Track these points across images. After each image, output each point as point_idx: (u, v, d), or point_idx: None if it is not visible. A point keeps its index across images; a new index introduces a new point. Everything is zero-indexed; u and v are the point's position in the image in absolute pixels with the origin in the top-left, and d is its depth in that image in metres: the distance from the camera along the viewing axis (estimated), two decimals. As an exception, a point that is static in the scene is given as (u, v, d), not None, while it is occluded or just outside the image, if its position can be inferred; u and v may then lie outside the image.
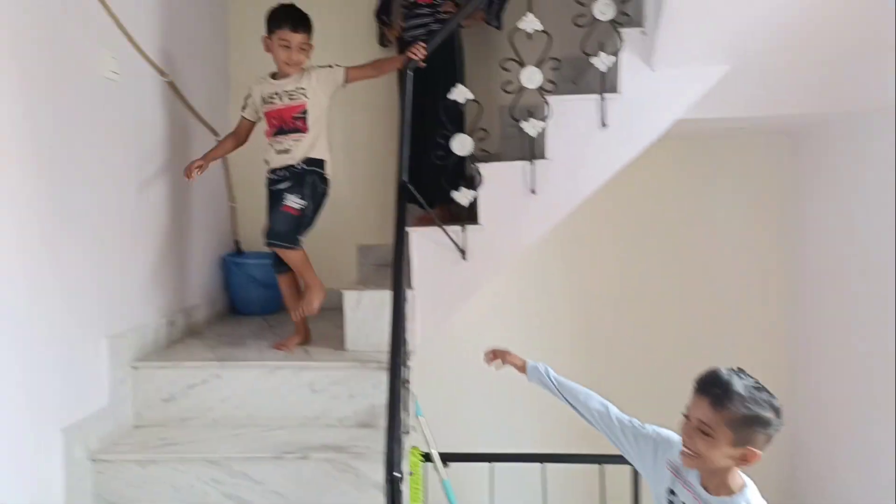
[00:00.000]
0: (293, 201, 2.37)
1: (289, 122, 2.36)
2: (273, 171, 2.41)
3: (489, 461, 2.82)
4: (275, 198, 2.41)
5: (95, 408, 2.03)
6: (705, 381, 1.50)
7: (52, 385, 1.83)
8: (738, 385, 1.43)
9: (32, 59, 1.77)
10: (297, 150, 2.37)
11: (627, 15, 2.31)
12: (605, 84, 2.32)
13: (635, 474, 2.78)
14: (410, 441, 2.59)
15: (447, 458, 2.77)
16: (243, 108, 2.46)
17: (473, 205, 2.41)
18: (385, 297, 2.41)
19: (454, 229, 2.39)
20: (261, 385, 2.29)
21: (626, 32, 2.29)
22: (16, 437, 1.69)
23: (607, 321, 3.60)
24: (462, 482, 2.96)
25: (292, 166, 2.38)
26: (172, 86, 2.56)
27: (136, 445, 2.09)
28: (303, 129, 2.36)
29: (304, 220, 2.41)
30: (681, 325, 3.58)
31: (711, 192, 3.56)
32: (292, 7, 2.35)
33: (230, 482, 2.01)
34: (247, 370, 2.29)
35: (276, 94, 2.37)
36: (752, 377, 1.49)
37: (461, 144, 2.33)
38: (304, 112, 2.36)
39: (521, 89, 2.29)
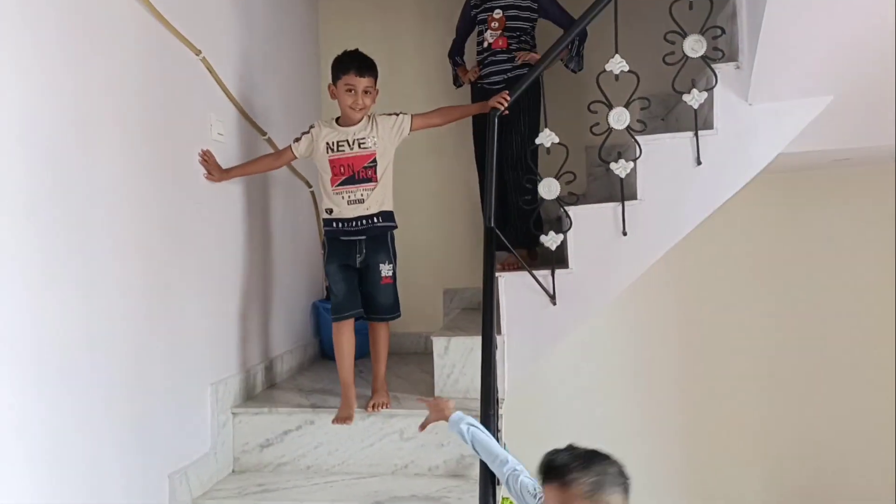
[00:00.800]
0: (388, 270, 2.36)
1: (360, 172, 2.30)
2: (344, 221, 2.31)
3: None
4: (347, 249, 2.34)
5: (199, 453, 2.11)
6: (544, 469, 1.41)
7: (161, 431, 1.92)
8: (570, 458, 1.36)
9: (158, 125, 1.93)
10: (371, 201, 2.30)
11: (720, 51, 2.24)
12: (698, 120, 2.24)
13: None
14: (501, 491, 2.52)
15: (538, 508, 2.67)
16: (297, 139, 2.36)
17: (561, 248, 2.37)
18: (473, 342, 2.40)
19: (543, 273, 2.35)
20: (351, 432, 2.31)
21: (720, 68, 2.21)
22: (126, 481, 1.77)
23: (706, 366, 3.41)
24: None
25: (370, 222, 2.31)
26: (270, 142, 2.70)
27: (234, 491, 2.14)
28: (373, 179, 2.30)
29: (396, 284, 2.42)
30: (788, 366, 3.35)
31: (816, 225, 3.35)
32: (357, 52, 2.31)
33: (324, 531, 2.02)
34: (339, 416, 2.32)
35: (346, 141, 2.30)
36: (581, 448, 1.42)
37: (548, 188, 2.31)
38: (374, 161, 2.31)
39: (609, 130, 2.25)
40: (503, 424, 2.29)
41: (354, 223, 2.30)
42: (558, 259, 2.37)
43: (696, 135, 2.23)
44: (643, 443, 3.44)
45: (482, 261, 2.30)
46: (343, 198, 2.30)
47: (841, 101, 2.20)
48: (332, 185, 2.31)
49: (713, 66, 2.21)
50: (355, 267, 2.35)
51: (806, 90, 2.17)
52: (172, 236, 2.01)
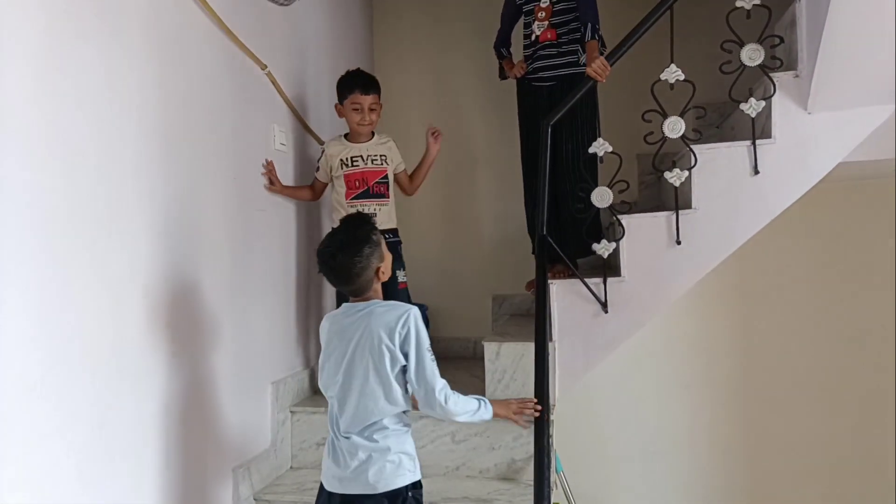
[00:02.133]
0: (403, 276, 2.46)
1: (373, 187, 2.43)
2: None
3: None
4: None
5: (260, 449, 2.20)
6: None
7: (228, 427, 2.01)
8: None
9: (226, 136, 2.04)
10: (382, 216, 2.41)
11: (779, 59, 2.22)
12: (756, 129, 2.23)
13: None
14: (555, 496, 2.54)
15: (588, 515, 2.68)
16: (317, 169, 2.50)
17: (613, 256, 2.38)
18: (523, 348, 2.43)
19: (595, 281, 2.37)
20: (405, 433, 2.36)
21: (778, 77, 2.19)
22: (196, 474, 1.86)
23: (760, 376, 3.36)
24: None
25: (385, 237, 2.38)
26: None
27: (293, 486, 2.22)
28: (386, 195, 2.45)
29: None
30: (846, 377, 3.27)
31: (876, 235, 3.27)
32: (360, 71, 2.44)
33: (379, 528, 2.08)
34: (393, 418, 2.38)
35: (360, 156, 2.42)
36: None
37: (601, 197, 2.32)
38: (386, 178, 2.46)
39: (664, 139, 2.25)
40: (553, 430, 2.31)
41: None
42: (610, 267, 2.38)
43: (754, 144, 2.22)
44: (696, 454, 3.41)
45: (532, 267, 2.34)
46: (358, 211, 2.38)
47: (905, 109, 2.16)
48: (346, 199, 2.41)
49: (771, 74, 2.20)
50: None
51: (867, 99, 2.14)
52: (239, 240, 2.11)
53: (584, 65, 2.52)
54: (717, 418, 3.39)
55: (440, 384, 1.57)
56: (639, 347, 3.29)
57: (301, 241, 2.62)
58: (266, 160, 2.29)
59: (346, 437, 1.59)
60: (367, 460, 1.55)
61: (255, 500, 2.14)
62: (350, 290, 1.64)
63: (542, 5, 2.65)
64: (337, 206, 2.45)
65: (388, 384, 1.56)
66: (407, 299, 2.48)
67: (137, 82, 1.62)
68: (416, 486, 1.62)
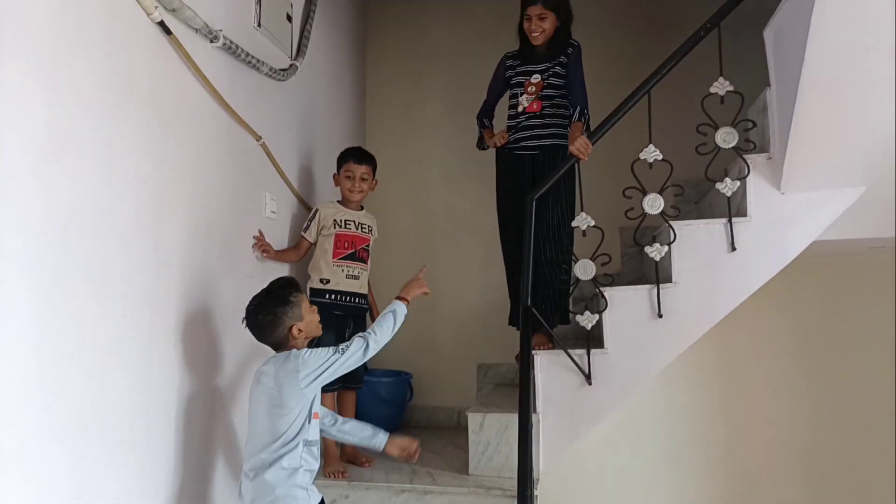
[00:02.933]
0: None
1: (359, 251, 2.58)
2: (339, 294, 2.52)
3: None
4: (339, 324, 2.50)
5: None
6: None
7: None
8: None
9: (220, 205, 2.09)
10: (362, 280, 2.59)
11: (752, 142, 2.33)
12: (732, 207, 2.31)
13: None
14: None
15: None
16: (305, 228, 2.57)
17: (596, 328, 2.40)
18: (508, 419, 2.41)
19: (579, 353, 2.38)
20: (386, 507, 2.31)
21: (751, 158, 2.30)
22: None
23: (744, 450, 3.33)
24: None
25: (359, 301, 2.58)
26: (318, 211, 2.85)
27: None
28: (366, 261, 2.62)
29: None
30: (826, 453, 3.26)
31: (853, 310, 3.32)
32: (358, 147, 2.70)
33: None
34: (374, 492, 2.34)
35: (353, 221, 2.59)
36: None
37: (584, 269, 2.37)
38: (368, 246, 2.63)
39: (644, 215, 2.33)
40: (538, 505, 2.27)
41: (348, 298, 2.54)
42: (593, 338, 2.40)
43: (731, 221, 2.30)
44: None
45: (517, 337, 2.36)
46: (343, 271, 2.54)
47: (874, 191, 2.25)
48: (333, 258, 2.53)
49: (745, 156, 2.30)
50: (345, 339, 2.46)
51: (838, 181, 2.24)
52: (231, 307, 2.12)
53: (568, 138, 2.62)
54: (702, 492, 3.34)
55: (359, 353, 1.82)
56: (624, 419, 3.27)
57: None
58: (259, 231, 2.34)
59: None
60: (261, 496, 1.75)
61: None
62: (267, 343, 1.85)
63: (533, 80, 2.75)
64: (321, 266, 2.53)
65: (269, 426, 1.75)
66: (363, 367, 2.47)
67: (138, 149, 1.66)
68: None
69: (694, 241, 2.34)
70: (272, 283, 1.88)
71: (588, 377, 2.36)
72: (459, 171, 3.67)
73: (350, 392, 2.66)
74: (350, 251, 2.56)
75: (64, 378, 1.41)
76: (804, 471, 3.29)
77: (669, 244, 2.33)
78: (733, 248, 2.29)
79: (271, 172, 2.47)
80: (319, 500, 1.83)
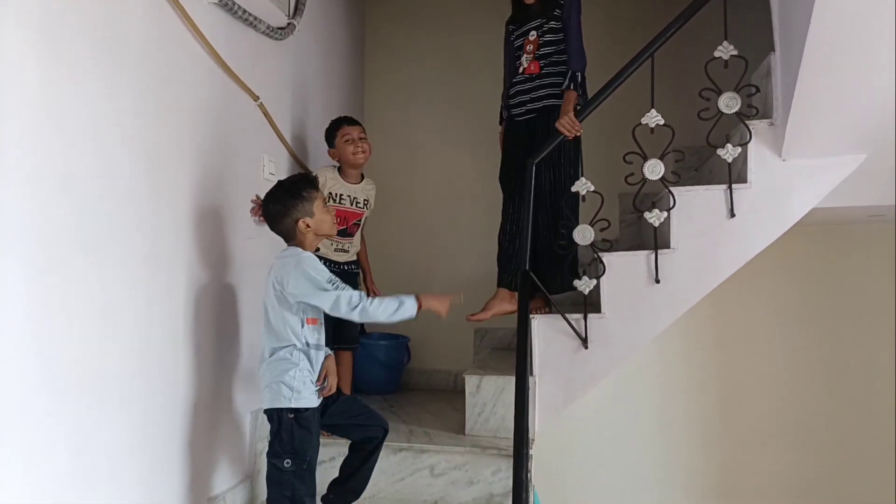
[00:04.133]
0: None
1: (350, 227, 2.59)
2: (328, 261, 2.49)
3: (611, 561, 2.69)
4: None
5: (237, 479, 2.18)
6: None
7: (204, 456, 1.99)
8: None
9: (218, 167, 2.07)
10: (350, 252, 2.64)
11: (755, 108, 2.31)
12: (732, 174, 2.30)
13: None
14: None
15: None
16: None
17: (594, 293, 2.42)
18: (504, 381, 2.45)
19: (576, 317, 2.40)
20: (383, 465, 2.35)
21: (754, 124, 2.28)
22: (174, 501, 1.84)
23: (738, 415, 3.39)
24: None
25: (349, 267, 2.63)
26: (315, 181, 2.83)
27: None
28: (354, 234, 2.63)
29: None
30: (821, 420, 3.32)
31: (850, 278, 3.35)
32: (344, 116, 2.63)
33: (355, 563, 2.06)
34: (372, 450, 2.37)
35: (348, 196, 2.57)
36: None
37: (582, 234, 2.37)
38: (360, 220, 2.64)
39: (644, 181, 2.32)
40: (532, 465, 2.31)
41: (335, 266, 2.55)
42: (590, 304, 2.42)
43: (730, 188, 2.29)
44: (673, 493, 3.41)
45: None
46: (331, 245, 2.56)
47: (875, 159, 2.24)
48: None
49: (747, 122, 2.28)
50: None
51: (840, 148, 2.22)
52: (228, 269, 2.13)
53: (560, 97, 2.54)
54: (695, 458, 3.41)
55: (344, 303, 1.77)
56: (619, 384, 3.32)
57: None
58: (255, 196, 2.29)
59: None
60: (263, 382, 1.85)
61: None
62: (276, 233, 1.91)
63: (531, 38, 2.66)
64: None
65: (273, 320, 1.82)
66: (356, 328, 2.62)
67: (133, 110, 1.65)
68: (295, 411, 1.80)
69: (693, 207, 2.34)
70: (287, 177, 1.95)
71: (585, 341, 2.39)
72: (459, 135, 3.64)
73: (346, 353, 2.64)
74: (341, 227, 2.53)
75: (63, 338, 1.42)
76: (797, 438, 3.35)
77: (669, 210, 2.33)
78: (732, 215, 2.29)
79: (269, 134, 2.45)
80: (311, 407, 1.83)
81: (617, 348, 2.39)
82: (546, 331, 2.44)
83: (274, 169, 2.47)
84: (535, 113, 2.65)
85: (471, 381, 2.49)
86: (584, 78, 2.53)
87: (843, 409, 3.32)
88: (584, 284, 2.39)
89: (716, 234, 2.32)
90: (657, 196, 2.54)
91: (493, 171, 3.11)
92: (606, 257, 2.40)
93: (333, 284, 1.79)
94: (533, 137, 2.65)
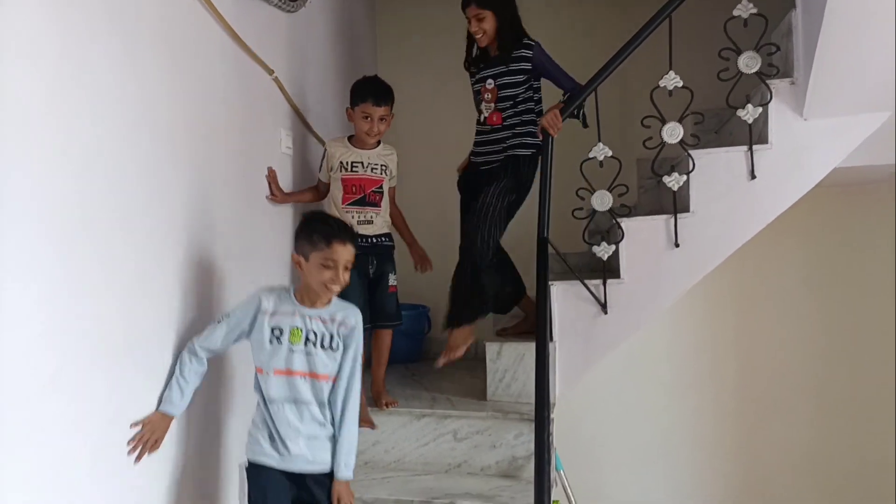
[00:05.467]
0: (394, 280, 2.51)
1: (369, 195, 2.42)
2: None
3: (632, 521, 2.74)
4: (361, 262, 2.23)
5: None
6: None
7: (235, 423, 2.05)
8: None
9: (236, 142, 2.08)
10: (377, 223, 2.45)
11: (775, 67, 2.27)
12: (753, 135, 2.28)
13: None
14: (554, 493, 2.58)
15: (587, 514, 2.73)
16: (319, 169, 2.51)
17: (612, 259, 2.42)
18: (524, 348, 2.48)
19: (595, 283, 2.41)
20: (407, 431, 2.41)
21: (775, 84, 2.24)
22: (207, 471, 1.91)
23: (758, 378, 3.40)
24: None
25: (378, 240, 2.45)
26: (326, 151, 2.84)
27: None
28: (378, 204, 2.44)
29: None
30: (841, 381, 3.32)
31: (872, 239, 3.31)
32: (376, 79, 2.44)
33: (382, 524, 2.11)
34: (396, 416, 2.43)
35: (361, 163, 2.42)
36: None
37: (601, 200, 2.37)
38: (381, 188, 2.45)
39: (662, 144, 2.30)
40: (553, 429, 2.35)
41: (364, 240, 2.37)
42: (609, 270, 2.43)
43: (751, 149, 2.27)
44: (694, 455, 3.45)
45: (534, 269, 2.39)
46: (354, 217, 2.40)
47: (899, 116, 2.21)
48: (342, 203, 2.41)
49: (768, 81, 2.25)
50: (368, 277, 2.47)
51: (862, 106, 2.19)
52: (249, 241, 2.16)
53: (534, 146, 2.51)
54: (714, 420, 3.44)
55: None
56: (639, 348, 3.34)
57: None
58: (269, 168, 2.30)
59: None
60: None
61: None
62: None
63: (488, 87, 2.55)
64: (332, 208, 2.44)
65: None
66: (395, 304, 2.53)
67: (148, 86, 1.66)
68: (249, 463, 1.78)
69: (713, 169, 2.32)
70: (319, 215, 1.88)
71: (604, 307, 2.40)
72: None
73: (385, 331, 2.56)
74: (359, 196, 2.41)
75: (95, 309, 1.46)
76: (815, 400, 3.36)
77: (688, 173, 2.31)
78: (753, 177, 2.27)
79: (285, 108, 2.46)
80: (261, 464, 1.73)
81: (636, 313, 2.41)
82: (565, 297, 2.46)
83: (291, 143, 2.48)
84: (497, 163, 2.59)
85: (491, 348, 2.53)
86: (581, 105, 2.41)
87: (861, 372, 3.31)
88: (602, 250, 2.39)
89: (736, 196, 2.30)
90: (676, 160, 2.52)
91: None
92: (625, 223, 2.40)
93: (216, 319, 1.78)
94: (493, 179, 2.54)
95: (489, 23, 2.46)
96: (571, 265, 2.50)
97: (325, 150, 2.47)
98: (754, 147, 2.27)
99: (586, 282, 2.40)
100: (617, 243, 2.40)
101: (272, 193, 2.30)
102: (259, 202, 2.26)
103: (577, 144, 2.49)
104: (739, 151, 2.30)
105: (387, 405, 2.46)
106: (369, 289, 2.48)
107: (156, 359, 1.68)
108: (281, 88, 2.38)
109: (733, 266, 2.74)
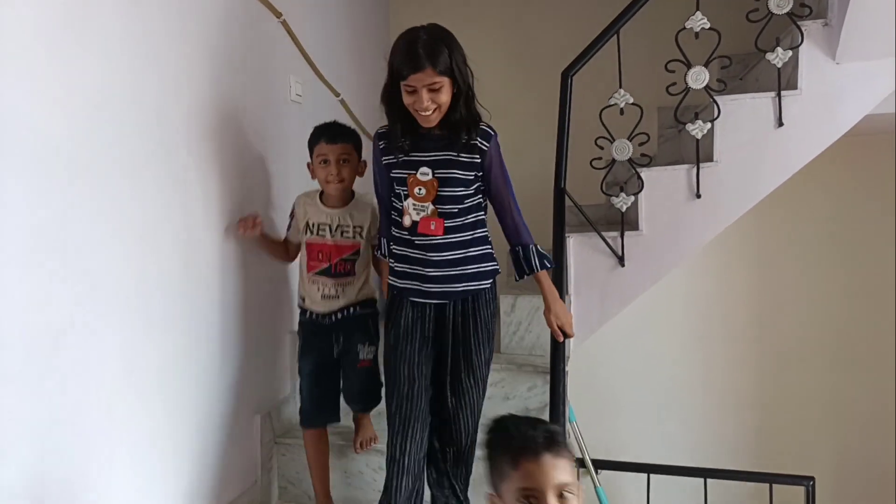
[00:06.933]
0: (368, 352, 2.01)
1: (337, 265, 1.96)
2: (317, 314, 2.00)
3: (647, 472, 2.75)
4: (322, 342, 2.00)
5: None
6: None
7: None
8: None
9: (243, 86, 2.02)
10: (348, 296, 1.98)
11: (808, 7, 2.15)
12: (781, 80, 2.18)
13: (809, 496, 2.57)
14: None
15: (600, 465, 2.74)
16: (288, 227, 2.09)
17: (631, 210, 2.36)
18: (538, 301, 2.42)
19: (612, 235, 2.36)
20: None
21: (806, 25, 2.13)
22: (223, 415, 1.92)
23: (776, 332, 3.37)
24: (612, 492, 2.92)
25: (347, 313, 1.99)
26: (343, 103, 2.77)
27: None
28: (351, 273, 1.97)
29: (377, 368, 2.04)
30: (860, 334, 3.28)
31: (898, 192, 3.21)
32: (332, 122, 1.99)
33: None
34: (410, 368, 2.42)
35: (328, 225, 1.97)
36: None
37: (620, 149, 2.30)
38: (357, 254, 1.98)
39: (687, 90, 2.21)
40: (567, 382, 2.34)
41: (328, 318, 1.98)
42: (627, 222, 2.37)
43: (779, 95, 2.18)
44: (708, 408, 3.45)
45: (550, 222, 2.34)
46: (317, 289, 1.97)
47: (938, 59, 2.10)
48: (307, 271, 2.00)
49: (799, 23, 2.13)
50: (333, 359, 2.03)
51: (899, 48, 2.08)
52: (263, 189, 2.12)
53: (494, 272, 1.83)
54: (731, 373, 3.42)
55: None
56: (654, 301, 3.29)
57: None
58: (250, 216, 1.97)
59: None
60: None
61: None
62: None
63: (422, 177, 1.68)
64: (301, 276, 2.04)
65: None
66: (370, 381, 2.04)
67: (153, 31, 1.60)
68: None
69: (739, 116, 2.23)
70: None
71: (621, 259, 2.36)
72: (490, 49, 3.48)
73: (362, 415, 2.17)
74: (324, 265, 1.96)
75: (105, 259, 1.44)
76: (832, 352, 3.32)
77: (713, 121, 2.23)
78: (780, 124, 2.19)
79: (294, 53, 2.38)
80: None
81: (654, 266, 2.36)
82: (582, 249, 2.41)
83: (301, 90, 2.41)
84: (446, 300, 1.75)
85: (505, 301, 2.50)
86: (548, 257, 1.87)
87: (882, 321, 3.26)
88: (621, 202, 2.33)
89: (762, 145, 2.22)
90: (699, 107, 2.43)
91: (524, 89, 3.01)
92: (645, 173, 2.33)
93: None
94: (446, 332, 1.78)
95: (446, 94, 1.63)
96: (588, 217, 2.44)
97: (293, 209, 2.06)
98: (783, 93, 2.18)
99: (604, 234, 2.35)
100: (636, 194, 2.33)
101: (252, 227, 1.95)
102: (270, 149, 2.20)
103: (595, 92, 2.39)
104: (767, 97, 2.21)
105: (361, 446, 2.12)
106: (334, 371, 2.04)
107: (168, 310, 1.67)
108: (289, 32, 2.30)
109: (753, 218, 2.67)
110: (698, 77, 2.17)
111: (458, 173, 1.69)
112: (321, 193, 2.00)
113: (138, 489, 1.58)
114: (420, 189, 1.68)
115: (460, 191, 1.70)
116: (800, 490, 2.36)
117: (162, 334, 1.65)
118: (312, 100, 2.55)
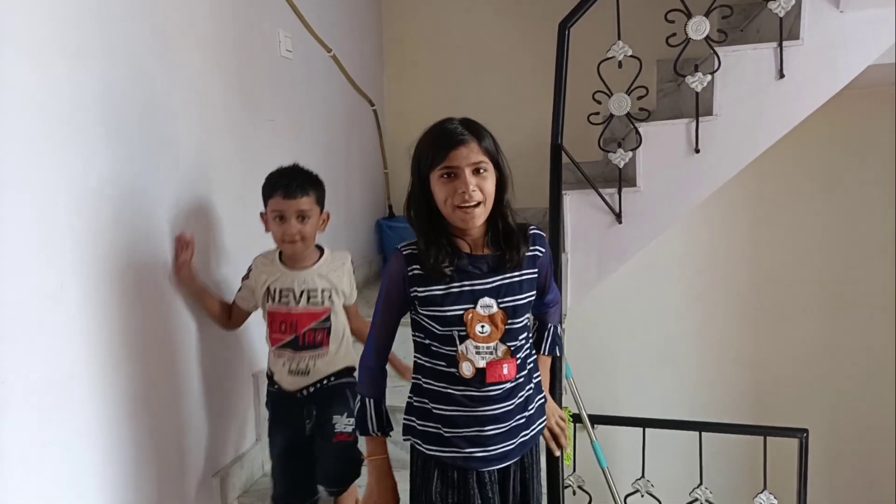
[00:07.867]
0: (345, 425, 1.72)
1: (306, 335, 1.71)
2: (284, 392, 1.75)
3: (642, 426, 2.79)
4: (292, 419, 1.75)
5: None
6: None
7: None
8: None
9: (231, 40, 1.95)
10: (320, 367, 1.73)
11: (813, -49, 2.08)
12: (783, 30, 2.12)
13: (802, 448, 2.61)
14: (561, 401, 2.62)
15: (596, 420, 2.77)
16: (239, 288, 1.79)
17: (628, 167, 2.33)
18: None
19: (609, 192, 2.34)
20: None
21: (811, -29, 2.07)
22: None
23: (772, 288, 3.37)
24: (608, 446, 2.96)
25: (320, 385, 1.74)
26: (335, 59, 2.70)
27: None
28: (324, 344, 1.72)
29: (356, 444, 1.74)
30: (856, 291, 3.28)
31: (898, 146, 3.17)
32: (291, 168, 1.70)
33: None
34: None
35: (291, 290, 1.70)
36: None
37: (618, 104, 2.25)
38: (327, 321, 1.72)
39: (687, 41, 2.15)
40: (564, 338, 2.35)
41: (298, 394, 1.74)
42: (625, 178, 2.34)
43: (781, 45, 2.12)
44: (704, 364, 3.48)
45: (547, 181, 2.31)
46: (284, 364, 1.73)
47: (945, 6, 2.04)
48: (272, 345, 1.75)
49: (804, -31, 2.07)
50: (306, 436, 1.76)
51: (906, -6, 2.02)
52: (253, 149, 2.07)
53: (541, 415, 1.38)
54: (727, 329, 3.44)
55: None
56: (651, 256, 3.29)
57: (310, 154, 2.58)
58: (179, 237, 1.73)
59: None
60: None
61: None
62: None
63: (484, 311, 1.24)
64: (268, 349, 1.79)
65: None
66: (346, 460, 1.74)
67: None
68: None
69: (740, 68, 2.18)
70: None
71: (619, 216, 2.34)
72: (485, 1, 3.40)
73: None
74: (290, 337, 1.70)
75: (93, 223, 1.42)
76: (825, 309, 3.33)
77: (713, 73, 2.18)
78: (782, 76, 2.14)
79: (283, 6, 2.30)
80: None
81: (652, 222, 2.35)
82: (579, 207, 2.39)
83: (291, 46, 2.34)
84: (511, 460, 1.32)
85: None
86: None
87: (880, 280, 3.26)
88: (618, 157, 2.30)
89: (762, 97, 2.18)
90: (699, 59, 2.37)
91: (519, 41, 2.95)
92: (643, 127, 2.29)
93: None
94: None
95: (491, 183, 1.24)
96: (585, 174, 2.40)
97: (250, 267, 1.77)
98: (784, 43, 2.12)
99: (601, 190, 2.32)
100: (634, 150, 2.30)
101: (180, 266, 1.72)
102: (257, 110, 2.15)
103: (592, 45, 2.33)
104: (768, 48, 2.16)
105: None
106: (307, 450, 1.76)
107: (158, 272, 1.66)
108: (277, -15, 2.23)
109: (749, 173, 2.63)
110: (699, 27, 2.12)
111: (526, 297, 1.28)
112: (280, 252, 1.73)
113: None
114: (483, 326, 1.25)
115: (527, 318, 1.31)
116: (794, 442, 2.39)
117: (153, 295, 1.64)
118: (304, 56, 2.49)
